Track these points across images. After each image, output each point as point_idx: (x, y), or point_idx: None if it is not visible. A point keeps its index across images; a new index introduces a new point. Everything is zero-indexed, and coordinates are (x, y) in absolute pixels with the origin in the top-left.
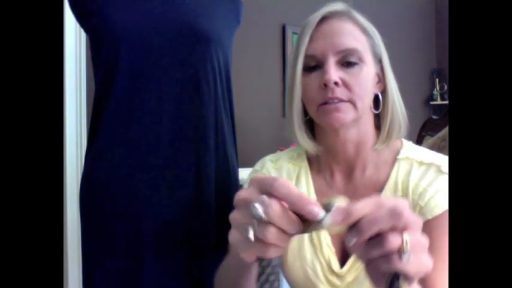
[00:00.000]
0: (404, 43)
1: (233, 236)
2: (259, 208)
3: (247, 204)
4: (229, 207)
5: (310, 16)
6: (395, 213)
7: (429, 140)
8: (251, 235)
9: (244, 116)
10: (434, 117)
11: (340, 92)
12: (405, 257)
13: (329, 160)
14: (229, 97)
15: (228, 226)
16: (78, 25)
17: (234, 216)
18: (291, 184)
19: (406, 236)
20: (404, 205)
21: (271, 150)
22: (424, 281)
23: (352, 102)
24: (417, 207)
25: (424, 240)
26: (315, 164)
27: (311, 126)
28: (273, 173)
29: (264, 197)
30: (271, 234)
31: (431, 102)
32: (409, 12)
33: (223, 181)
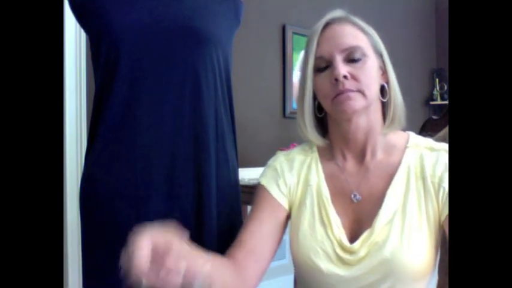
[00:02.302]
0: (405, 43)
1: None
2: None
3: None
4: (230, 206)
5: (315, 25)
6: None
7: None
8: None
9: (244, 116)
10: (434, 117)
11: (349, 84)
12: None
13: (341, 147)
14: (229, 97)
15: (227, 225)
16: (78, 25)
17: None
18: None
19: None
20: None
21: (271, 150)
22: None
23: (360, 91)
24: (441, 190)
25: None
26: (325, 153)
27: (321, 124)
28: (285, 164)
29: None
30: None
31: (431, 102)
32: (409, 13)
33: (223, 181)
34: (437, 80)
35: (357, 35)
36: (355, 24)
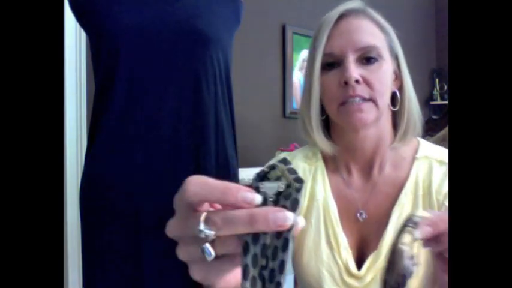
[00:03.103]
0: (405, 43)
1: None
2: (206, 232)
3: (187, 235)
4: None
5: (326, 14)
6: None
7: (429, 140)
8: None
9: (244, 116)
10: (434, 117)
11: (361, 90)
12: None
13: (346, 158)
14: (229, 97)
15: None
16: (78, 25)
17: (183, 254)
18: (207, 179)
19: None
20: None
21: (271, 150)
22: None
23: (373, 101)
24: (443, 208)
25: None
26: (330, 162)
27: (326, 126)
28: None
29: (201, 218)
30: (232, 244)
31: (431, 102)
32: (409, 13)
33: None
34: (437, 80)
35: (375, 33)
36: (373, 19)
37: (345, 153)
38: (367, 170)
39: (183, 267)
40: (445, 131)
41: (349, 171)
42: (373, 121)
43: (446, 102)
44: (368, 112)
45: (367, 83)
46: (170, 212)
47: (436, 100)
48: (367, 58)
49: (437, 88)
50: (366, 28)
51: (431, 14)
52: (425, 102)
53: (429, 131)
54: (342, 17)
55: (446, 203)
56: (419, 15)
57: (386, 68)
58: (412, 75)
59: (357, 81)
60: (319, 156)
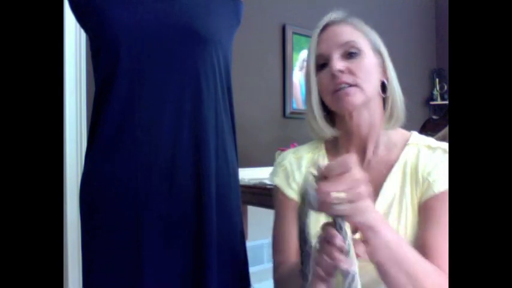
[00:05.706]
0: (405, 43)
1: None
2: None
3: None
4: (229, 207)
5: (316, 25)
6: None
7: None
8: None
9: (244, 116)
10: (434, 117)
11: (346, 77)
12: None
13: (345, 142)
14: (229, 97)
15: (228, 226)
16: (78, 25)
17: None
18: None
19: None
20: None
21: (271, 150)
22: (426, 248)
23: (358, 86)
24: (426, 183)
25: (362, 190)
26: (332, 150)
27: (330, 120)
28: (294, 163)
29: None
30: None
31: (431, 102)
32: (409, 12)
33: (223, 181)
34: (437, 80)
35: (354, 34)
36: (352, 25)
37: (344, 138)
38: (363, 152)
39: (184, 269)
40: (445, 131)
41: (348, 153)
42: (362, 103)
43: (446, 102)
44: (354, 95)
45: (350, 72)
46: (169, 211)
47: (436, 100)
48: (349, 53)
49: (437, 88)
50: (347, 31)
51: (431, 14)
52: (425, 102)
53: (429, 131)
54: (327, 25)
55: (430, 179)
56: (419, 15)
57: (368, 60)
58: (412, 75)
59: (341, 71)
60: (322, 146)
